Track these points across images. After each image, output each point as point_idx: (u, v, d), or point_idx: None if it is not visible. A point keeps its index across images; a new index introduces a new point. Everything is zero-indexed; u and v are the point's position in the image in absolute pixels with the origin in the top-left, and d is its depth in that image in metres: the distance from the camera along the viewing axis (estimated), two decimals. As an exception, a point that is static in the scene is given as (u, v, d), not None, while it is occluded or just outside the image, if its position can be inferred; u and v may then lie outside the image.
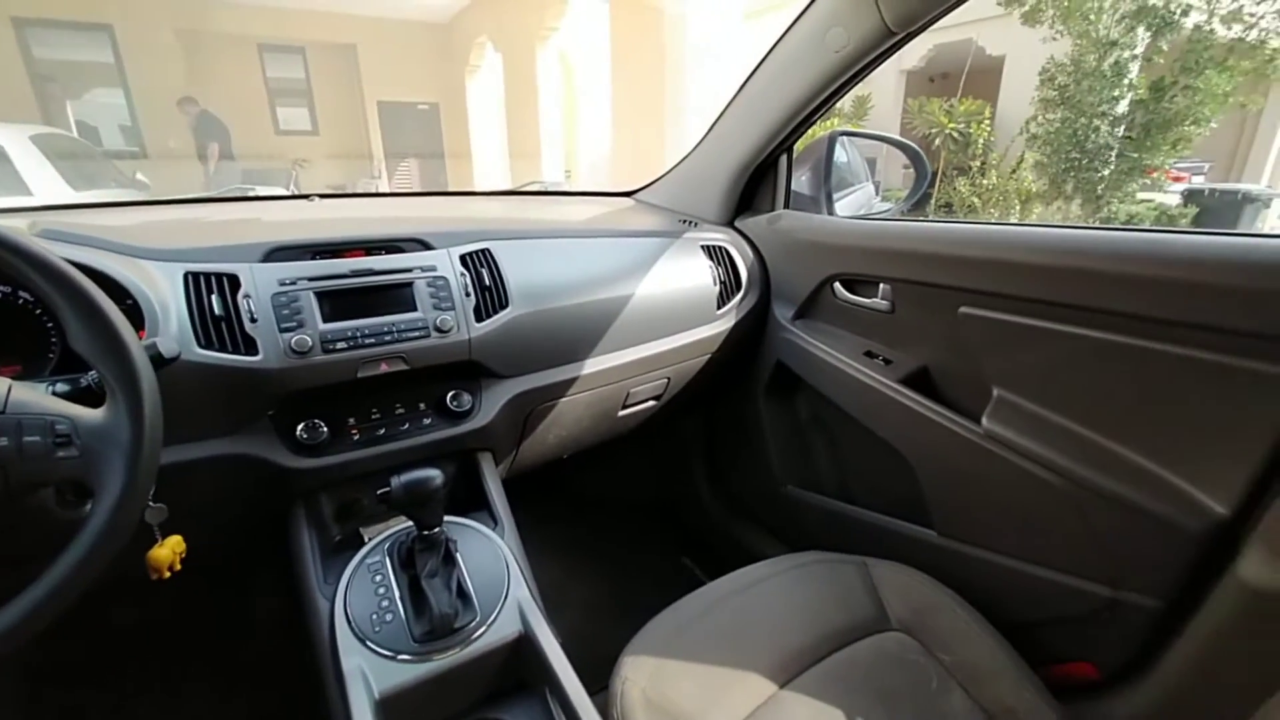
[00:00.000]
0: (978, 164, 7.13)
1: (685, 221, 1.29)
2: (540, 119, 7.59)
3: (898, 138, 1.39)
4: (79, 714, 1.09)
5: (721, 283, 1.19)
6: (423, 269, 0.89)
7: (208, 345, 0.73)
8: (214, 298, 0.76)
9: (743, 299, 1.23)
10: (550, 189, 4.86)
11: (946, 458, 0.94)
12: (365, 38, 9.11)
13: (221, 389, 0.73)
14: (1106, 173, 6.17)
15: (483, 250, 0.96)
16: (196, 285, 0.76)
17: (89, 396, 0.57)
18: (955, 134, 7.82)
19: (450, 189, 9.30)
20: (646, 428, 1.29)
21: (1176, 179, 7.55)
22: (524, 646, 0.73)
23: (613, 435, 1.24)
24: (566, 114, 8.29)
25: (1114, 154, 6.08)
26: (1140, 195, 6.38)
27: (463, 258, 0.93)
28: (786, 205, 1.27)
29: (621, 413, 1.17)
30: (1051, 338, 0.80)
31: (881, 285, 1.05)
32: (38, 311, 0.74)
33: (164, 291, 0.73)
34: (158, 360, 0.58)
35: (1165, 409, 0.72)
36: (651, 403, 1.21)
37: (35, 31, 7.34)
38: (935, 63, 9.54)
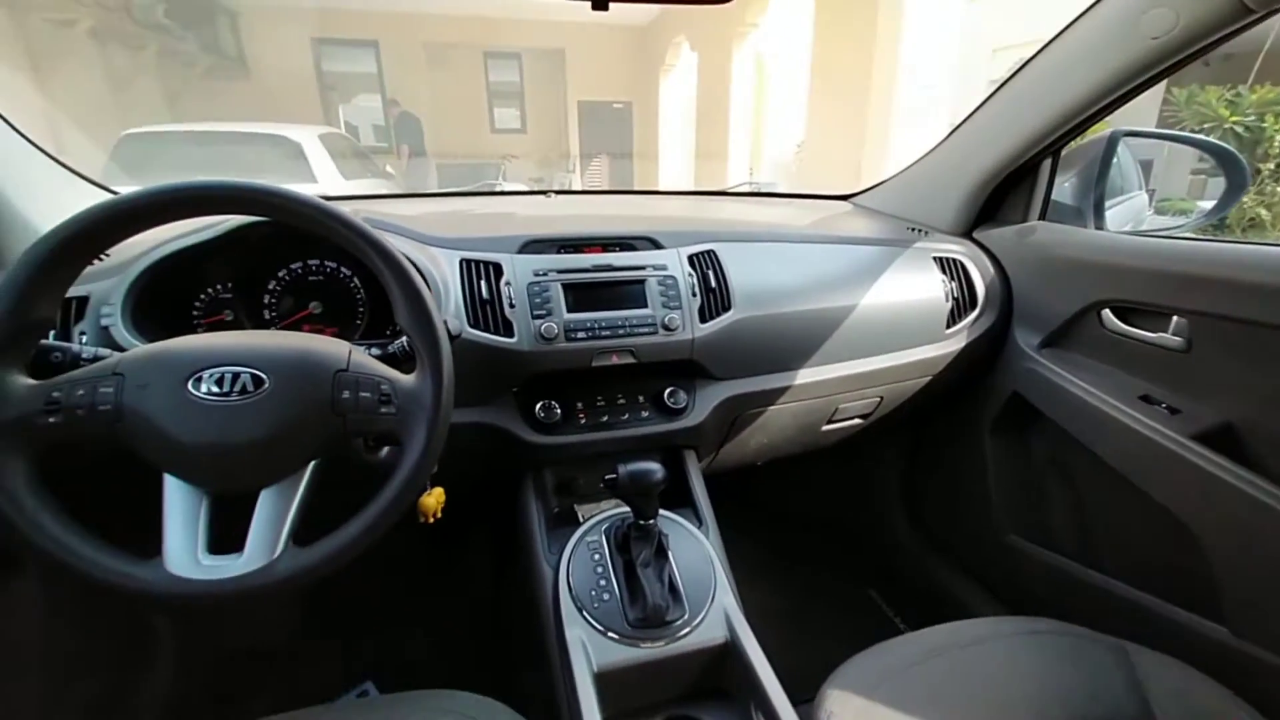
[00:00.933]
0: (1271, 167, 5.72)
1: (914, 230, 1.19)
2: (730, 118, 7.59)
3: (1203, 138, 1.14)
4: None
5: (954, 299, 1.08)
6: (654, 268, 0.92)
7: (475, 325, 0.82)
8: (482, 283, 0.85)
9: (977, 319, 1.10)
10: (763, 190, 4.81)
11: (1255, 539, 0.76)
12: (572, 42, 9.84)
13: (483, 365, 0.82)
14: None
15: (709, 251, 0.97)
16: (469, 271, 0.86)
17: (393, 361, 0.67)
18: (1240, 130, 6.33)
19: (637, 188, 9.70)
20: (847, 446, 1.22)
21: None
22: (729, 654, 0.72)
23: (812, 449, 1.19)
24: (756, 113, 8.19)
25: None
26: None
27: (690, 258, 0.95)
28: (1043, 216, 1.11)
29: (825, 427, 1.11)
30: None
31: (1175, 319, 0.87)
32: (352, 285, 0.89)
33: (446, 275, 0.84)
34: (450, 337, 0.67)
35: None
36: (858, 421, 1.14)
37: (326, 49, 9.03)
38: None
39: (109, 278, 0.73)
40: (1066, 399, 0.99)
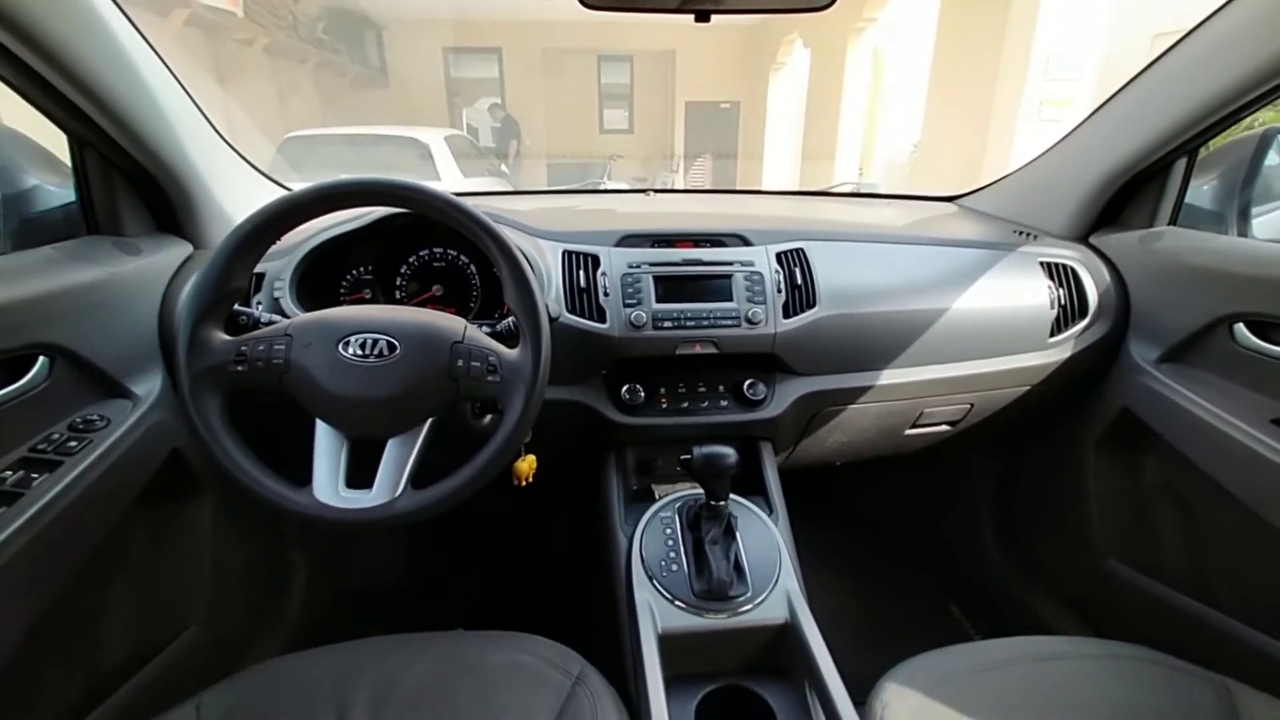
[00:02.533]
0: None
1: (1021, 233, 1.14)
2: (841, 117, 7.34)
3: None
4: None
5: (1061, 306, 1.03)
6: (741, 264, 0.96)
7: (572, 310, 0.91)
8: (581, 273, 0.93)
9: (1086, 328, 1.04)
10: (863, 190, 4.68)
11: None
12: (683, 44, 9.92)
13: (578, 347, 0.90)
14: None
15: (797, 250, 0.99)
16: (570, 262, 0.94)
17: (500, 338, 0.76)
18: None
19: (742, 187, 9.63)
20: (933, 454, 1.19)
21: None
22: (789, 635, 0.75)
23: (895, 454, 1.18)
24: (870, 112, 7.85)
25: None
26: None
27: (778, 255, 0.98)
28: (1173, 221, 1.03)
29: (909, 431, 1.10)
30: None
31: (1321, 335, 0.79)
32: (469, 271, 1.01)
33: (550, 264, 0.93)
34: (550, 319, 0.75)
35: None
36: (946, 427, 1.11)
37: (455, 57, 9.74)
38: None
39: (280, 259, 0.89)
40: (1187, 419, 0.91)
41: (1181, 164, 1.00)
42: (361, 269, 1.00)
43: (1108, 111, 1.04)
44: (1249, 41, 0.80)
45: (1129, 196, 1.07)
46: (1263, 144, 0.96)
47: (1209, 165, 1.03)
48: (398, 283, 1.01)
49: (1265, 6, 0.78)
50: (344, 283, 0.99)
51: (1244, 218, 0.98)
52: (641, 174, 10.02)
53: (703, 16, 0.74)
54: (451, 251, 1.02)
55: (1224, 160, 1.01)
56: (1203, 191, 1.03)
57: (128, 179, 0.86)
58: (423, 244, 1.00)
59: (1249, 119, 0.92)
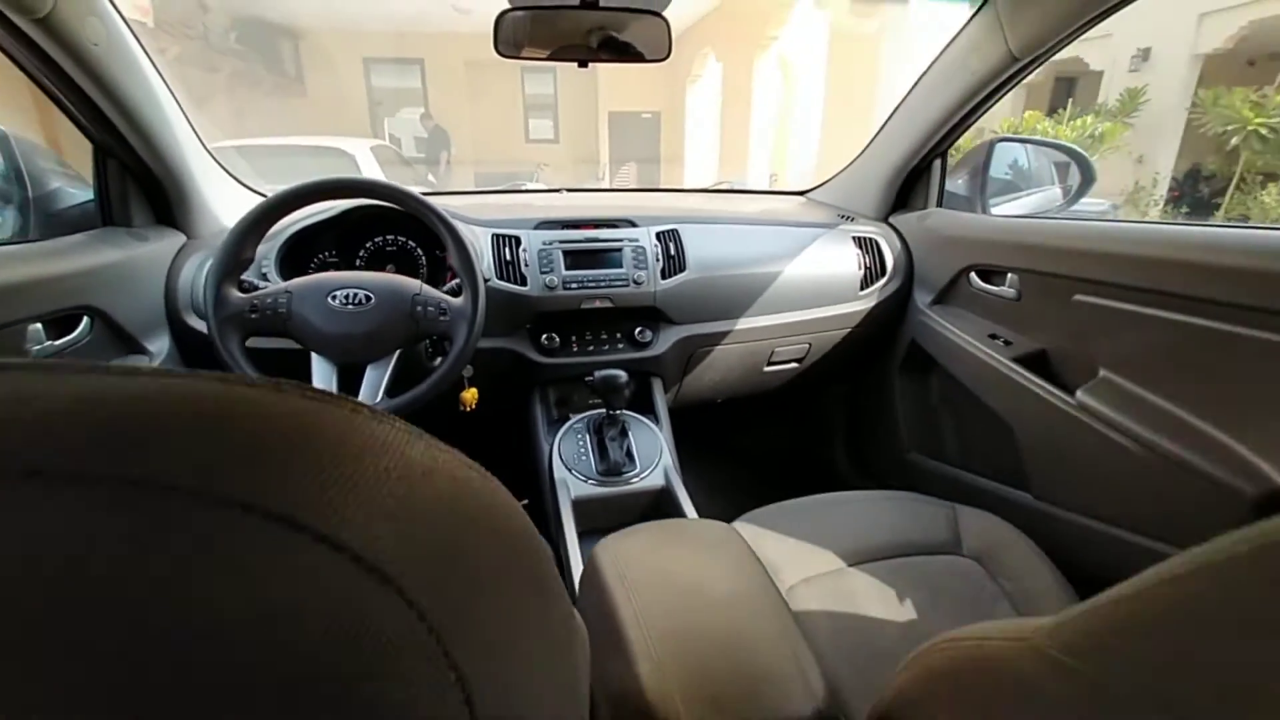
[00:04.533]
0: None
1: (844, 217, 1.52)
2: (752, 125, 7.90)
3: (1057, 140, 1.44)
4: None
5: (866, 268, 1.40)
6: (629, 240, 1.27)
7: (500, 277, 1.19)
8: (506, 249, 1.22)
9: (885, 284, 1.42)
10: (736, 188, 5.16)
11: (1045, 428, 1.06)
12: (605, 56, 10.29)
13: (506, 305, 1.19)
14: None
15: (672, 230, 1.31)
16: (498, 241, 1.23)
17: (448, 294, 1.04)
18: (1264, 132, 6.33)
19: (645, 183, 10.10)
20: (792, 390, 1.54)
21: None
22: (665, 495, 1.07)
23: (760, 389, 1.52)
24: (781, 118, 8.49)
25: None
26: None
27: (658, 234, 1.30)
28: (939, 204, 1.43)
29: (766, 368, 1.44)
30: (1151, 322, 0.90)
31: (1010, 275, 1.18)
32: (416, 254, 1.27)
33: (482, 243, 1.21)
34: (484, 280, 1.03)
35: (1244, 388, 0.80)
36: (794, 364, 1.47)
37: (375, 66, 9.71)
38: (1253, 42, 7.26)
39: (267, 243, 1.12)
40: (945, 343, 1.30)
41: (939, 163, 1.39)
42: (326, 253, 1.24)
43: (893, 120, 1.43)
44: (947, 82, 1.20)
45: (912, 186, 1.47)
46: (989, 149, 1.37)
47: (962, 163, 1.43)
48: (357, 264, 1.26)
49: (950, 63, 1.18)
50: (312, 263, 1.24)
51: (984, 201, 1.39)
52: (569, 181, 10.30)
53: (583, 63, 1.05)
54: (402, 238, 1.28)
55: (970, 160, 1.41)
56: (959, 183, 1.43)
57: (137, 180, 1.08)
58: (377, 231, 1.26)
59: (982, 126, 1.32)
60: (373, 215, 1.22)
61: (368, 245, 1.26)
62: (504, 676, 0.18)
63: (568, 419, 1.23)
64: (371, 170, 4.88)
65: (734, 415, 1.57)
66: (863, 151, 1.55)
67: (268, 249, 1.12)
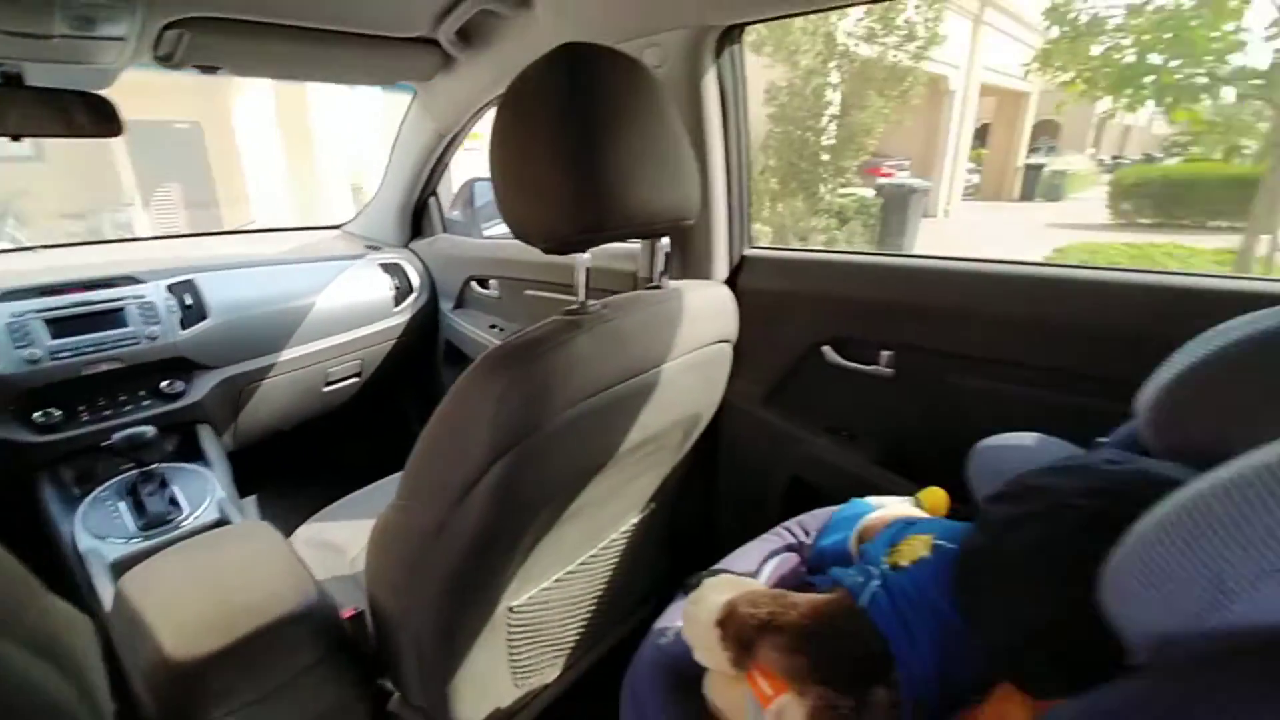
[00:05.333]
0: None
1: (371, 247, 1.77)
2: (315, 152, 7.45)
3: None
4: None
5: (396, 288, 1.69)
6: (134, 297, 1.26)
7: None
8: None
9: (415, 299, 1.74)
10: (269, 227, 4.91)
11: None
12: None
13: None
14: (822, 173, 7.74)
15: (186, 280, 1.35)
16: None
17: None
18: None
19: (200, 228, 8.65)
20: (367, 401, 1.74)
21: (885, 174, 9.57)
22: (223, 525, 1.16)
23: (329, 407, 1.68)
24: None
25: (819, 158, 7.63)
26: (844, 190, 8.06)
27: (169, 287, 1.32)
28: (445, 230, 1.81)
29: (326, 389, 1.61)
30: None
31: (493, 280, 1.63)
32: None
33: None
34: None
35: None
36: (354, 379, 1.67)
37: None
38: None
39: None
40: (466, 337, 1.69)
41: (433, 200, 1.77)
42: None
43: (390, 168, 1.73)
44: (414, 140, 1.56)
45: (421, 217, 1.81)
46: (471, 187, 1.81)
47: (458, 197, 1.84)
48: None
49: (409, 127, 1.54)
50: None
51: (477, 227, 1.82)
52: (76, 212, 7.93)
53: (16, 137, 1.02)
54: None
55: (463, 196, 1.83)
56: (457, 214, 1.84)
57: None
58: None
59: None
60: None
61: None
62: None
63: (90, 492, 1.18)
64: None
65: (321, 435, 1.69)
66: (378, 190, 1.82)
67: None
